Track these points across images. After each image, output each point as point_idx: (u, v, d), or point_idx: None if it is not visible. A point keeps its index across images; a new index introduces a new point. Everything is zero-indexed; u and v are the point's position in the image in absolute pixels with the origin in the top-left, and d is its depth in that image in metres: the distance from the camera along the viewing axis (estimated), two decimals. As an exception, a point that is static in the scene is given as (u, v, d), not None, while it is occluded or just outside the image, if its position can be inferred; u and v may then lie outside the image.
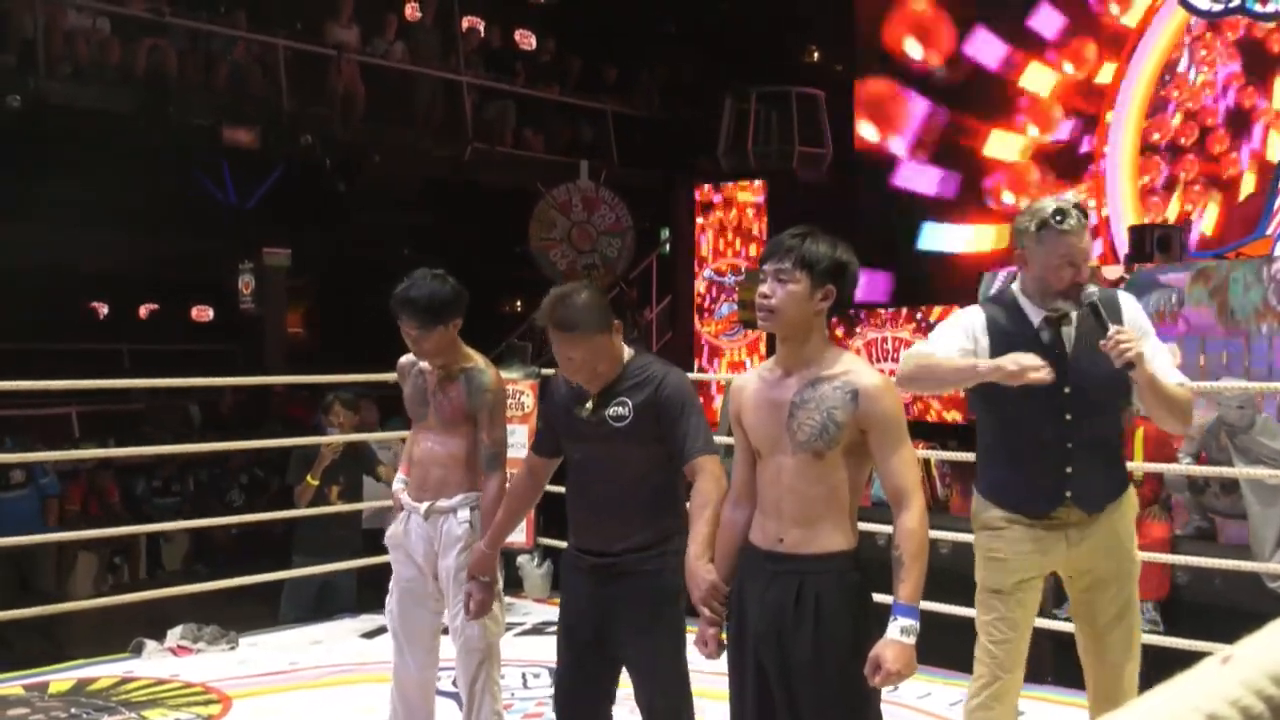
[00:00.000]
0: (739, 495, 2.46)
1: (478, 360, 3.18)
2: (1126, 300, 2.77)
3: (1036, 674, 4.49)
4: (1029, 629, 2.81)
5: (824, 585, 2.25)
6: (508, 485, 3.12)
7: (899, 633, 2.19)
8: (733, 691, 2.45)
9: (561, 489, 2.91)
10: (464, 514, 3.12)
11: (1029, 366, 2.54)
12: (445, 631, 3.28)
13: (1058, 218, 2.63)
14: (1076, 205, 2.70)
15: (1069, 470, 2.68)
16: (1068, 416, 2.67)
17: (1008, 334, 2.69)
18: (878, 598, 2.36)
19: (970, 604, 4.58)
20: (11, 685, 4.36)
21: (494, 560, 3.07)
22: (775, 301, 2.28)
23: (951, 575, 5.39)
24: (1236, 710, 0.69)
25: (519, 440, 4.96)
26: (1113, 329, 2.57)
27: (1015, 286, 2.77)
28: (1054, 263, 2.65)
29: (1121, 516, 2.76)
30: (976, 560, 2.83)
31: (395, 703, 3.30)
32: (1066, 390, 2.64)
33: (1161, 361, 2.67)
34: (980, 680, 2.78)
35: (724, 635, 2.47)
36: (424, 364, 3.21)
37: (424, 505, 3.15)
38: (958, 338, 2.73)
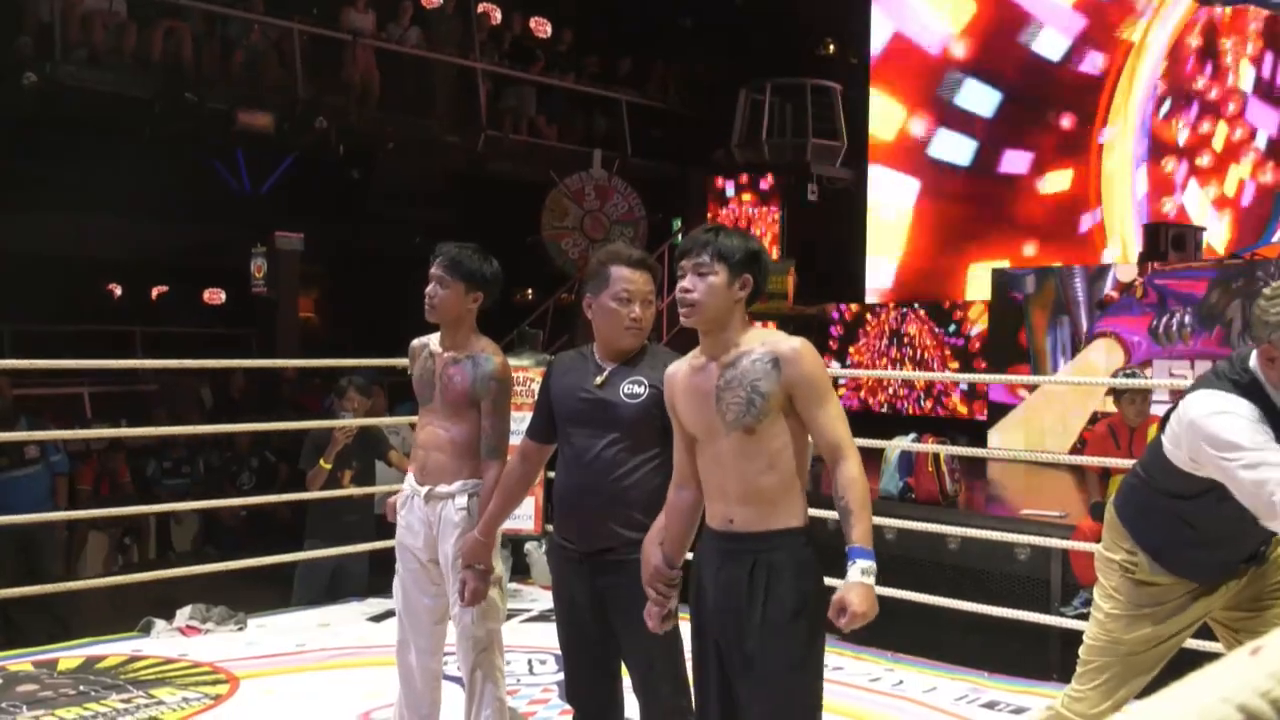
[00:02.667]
0: (681, 478, 2.52)
1: (487, 347, 3.19)
2: None
3: (1042, 671, 4.49)
4: (1140, 684, 2.67)
5: (776, 562, 2.30)
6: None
7: (860, 574, 2.22)
8: (695, 671, 2.49)
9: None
10: (461, 500, 3.12)
11: None
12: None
13: None
14: None
15: (1263, 549, 2.58)
16: None
17: (1269, 430, 2.37)
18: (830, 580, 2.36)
19: (975, 599, 4.60)
20: (21, 662, 4.40)
21: (489, 548, 3.07)
22: (697, 295, 2.34)
23: (959, 571, 5.41)
24: (1266, 702, 0.68)
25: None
26: None
27: (1256, 369, 2.43)
28: None
29: (1271, 549, 2.62)
30: (1111, 610, 2.66)
31: (400, 686, 3.32)
32: None
33: None
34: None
35: (681, 615, 2.54)
36: (434, 347, 3.22)
37: (424, 489, 3.16)
38: (1263, 434, 2.34)
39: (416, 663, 3.25)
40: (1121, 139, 10.10)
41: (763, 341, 2.35)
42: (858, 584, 2.21)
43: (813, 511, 2.42)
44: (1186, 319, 7.48)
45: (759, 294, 2.39)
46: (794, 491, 2.34)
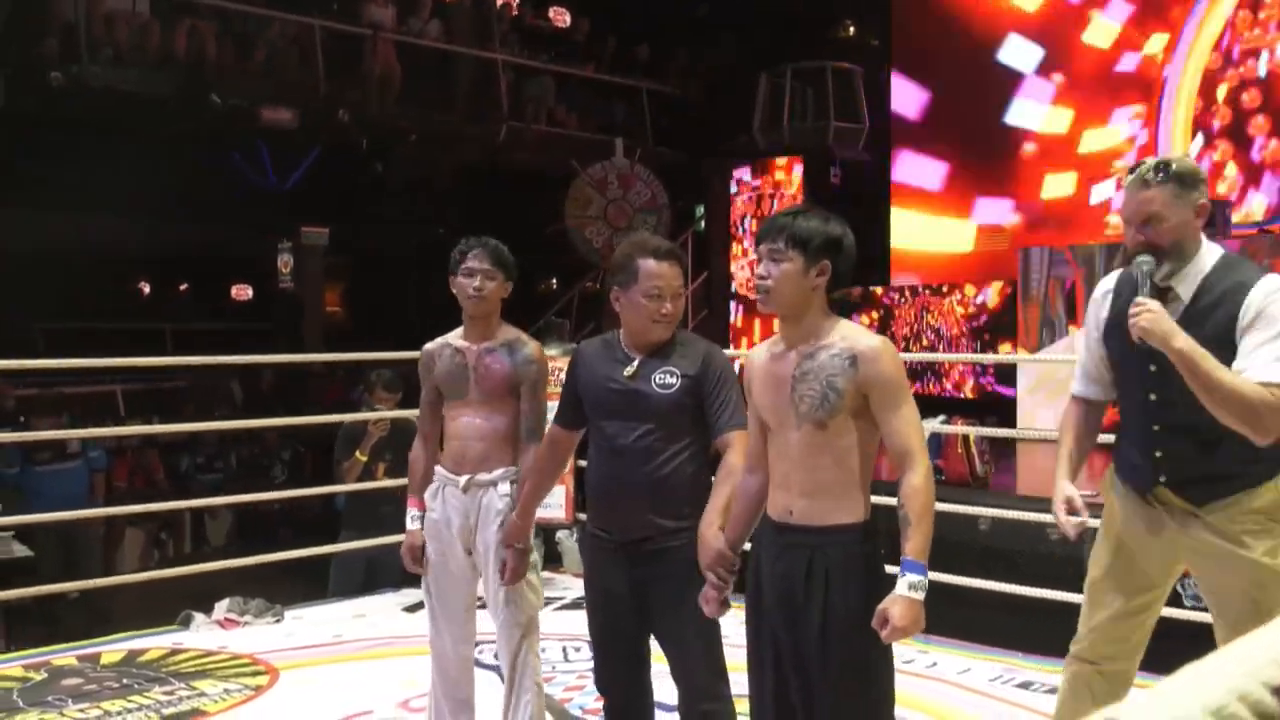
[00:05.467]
0: (753, 462, 2.50)
1: (520, 334, 3.23)
2: (1263, 284, 2.36)
3: (1062, 651, 4.47)
4: (1124, 615, 2.64)
5: (833, 558, 2.27)
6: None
7: (907, 588, 2.19)
8: (750, 662, 2.47)
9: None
10: (504, 488, 3.16)
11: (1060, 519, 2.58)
12: (482, 605, 3.31)
13: (1131, 171, 2.45)
14: (1166, 162, 2.41)
15: (1158, 454, 2.51)
16: (1152, 397, 2.48)
17: (1120, 300, 2.51)
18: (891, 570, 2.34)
19: (1007, 580, 4.60)
20: (65, 656, 4.48)
21: (527, 529, 3.12)
22: (771, 281, 2.31)
23: (991, 552, 5.40)
24: None
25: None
26: (1136, 299, 2.37)
27: None
28: (1124, 217, 2.47)
29: (1231, 520, 2.44)
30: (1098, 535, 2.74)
31: (434, 675, 3.35)
32: (1152, 369, 2.44)
33: (1259, 357, 2.31)
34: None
35: (733, 603, 2.53)
36: (457, 343, 3.25)
37: (463, 479, 3.18)
38: (1087, 328, 2.62)
39: (452, 651, 3.28)
40: (1174, 113, 9.96)
41: (843, 336, 2.31)
42: (904, 598, 2.19)
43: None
44: None
45: (841, 281, 2.34)
46: (857, 489, 2.31)
